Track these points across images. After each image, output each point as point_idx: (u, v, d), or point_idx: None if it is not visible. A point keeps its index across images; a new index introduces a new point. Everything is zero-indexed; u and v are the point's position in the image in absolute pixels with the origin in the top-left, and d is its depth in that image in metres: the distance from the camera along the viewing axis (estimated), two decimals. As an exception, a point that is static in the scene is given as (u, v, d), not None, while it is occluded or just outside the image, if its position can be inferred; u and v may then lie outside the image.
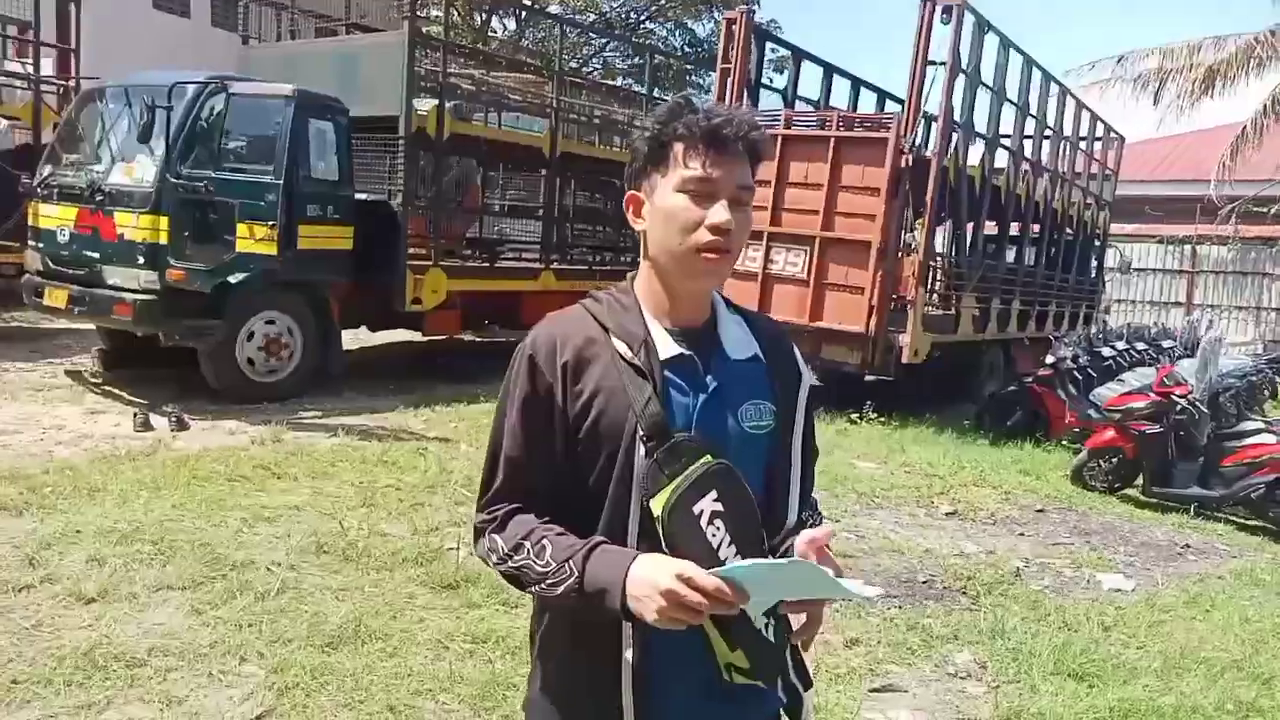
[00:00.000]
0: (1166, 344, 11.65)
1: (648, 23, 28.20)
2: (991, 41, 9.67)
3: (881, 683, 3.63)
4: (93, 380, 7.79)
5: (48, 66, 9.77)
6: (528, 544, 1.31)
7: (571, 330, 1.38)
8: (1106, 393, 7.61)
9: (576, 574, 1.26)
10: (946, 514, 6.10)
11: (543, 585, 1.29)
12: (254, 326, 7.38)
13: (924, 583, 4.76)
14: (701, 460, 1.28)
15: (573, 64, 26.16)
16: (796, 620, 1.34)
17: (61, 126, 7.98)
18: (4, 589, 3.65)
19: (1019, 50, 10.18)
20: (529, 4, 20.21)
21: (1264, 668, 3.96)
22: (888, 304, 8.98)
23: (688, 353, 1.36)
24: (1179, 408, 6.73)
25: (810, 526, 1.38)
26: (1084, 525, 6.20)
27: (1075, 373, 8.77)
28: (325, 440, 6.43)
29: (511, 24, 26.68)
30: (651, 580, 1.20)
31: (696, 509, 1.27)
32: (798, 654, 1.44)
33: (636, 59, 25.84)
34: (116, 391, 7.45)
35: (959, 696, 3.59)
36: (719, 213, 1.30)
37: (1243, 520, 6.52)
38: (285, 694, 3.08)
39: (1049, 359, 8.93)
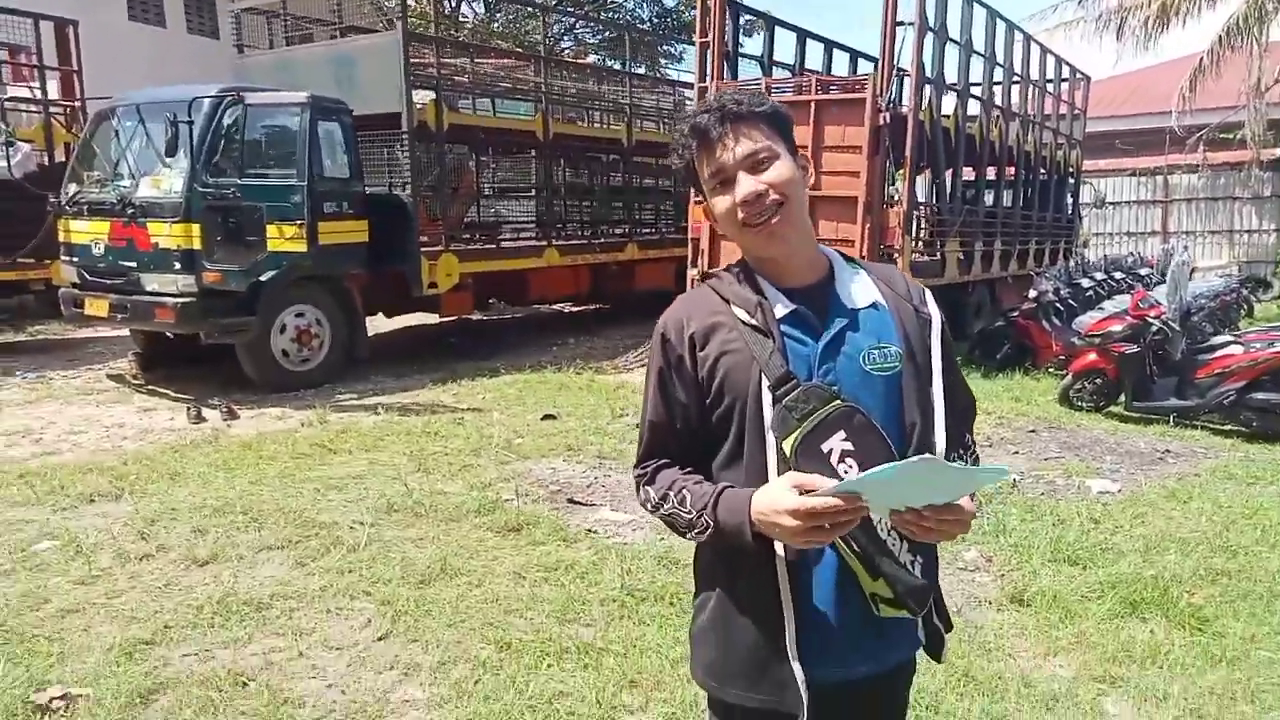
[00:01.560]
0: (1143, 272, 12.23)
1: (617, -1, 28.30)
2: (956, -2, 10.13)
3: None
4: (135, 382, 8.25)
5: (51, 89, 10.08)
6: (671, 493, 1.49)
7: (696, 306, 1.54)
8: (1087, 320, 8.14)
9: (711, 520, 1.42)
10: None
11: (691, 532, 1.46)
12: (285, 320, 7.85)
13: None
14: (829, 404, 1.38)
15: (546, 43, 26.50)
16: (940, 525, 1.32)
17: (80, 146, 8.34)
18: (129, 558, 4.15)
19: (981, 3, 10.63)
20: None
21: (1233, 541, 4.52)
22: (877, 254, 9.47)
23: (801, 308, 1.49)
24: (1154, 328, 7.27)
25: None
26: (1073, 441, 6.75)
27: (1057, 304, 9.30)
28: (368, 419, 6.92)
29: (481, 8, 26.84)
30: (771, 503, 1.33)
31: (825, 447, 1.37)
32: (940, 598, 1.55)
33: (608, 33, 26.07)
34: (161, 390, 7.90)
35: (971, 584, 4.13)
36: (740, 190, 1.45)
37: (1217, 425, 7.07)
38: (397, 620, 3.59)
39: (1032, 293, 9.45)
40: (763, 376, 1.43)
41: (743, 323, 1.47)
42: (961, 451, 1.53)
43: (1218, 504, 5.14)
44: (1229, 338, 7.45)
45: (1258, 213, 18.43)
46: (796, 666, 1.45)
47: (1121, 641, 3.49)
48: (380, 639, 3.47)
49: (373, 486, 5.26)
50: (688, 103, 15.12)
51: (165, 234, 7.19)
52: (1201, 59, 16.86)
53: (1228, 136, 17.96)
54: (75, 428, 6.64)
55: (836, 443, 1.38)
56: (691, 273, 10.03)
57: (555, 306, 13.42)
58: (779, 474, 1.39)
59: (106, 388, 8.06)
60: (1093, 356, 7.55)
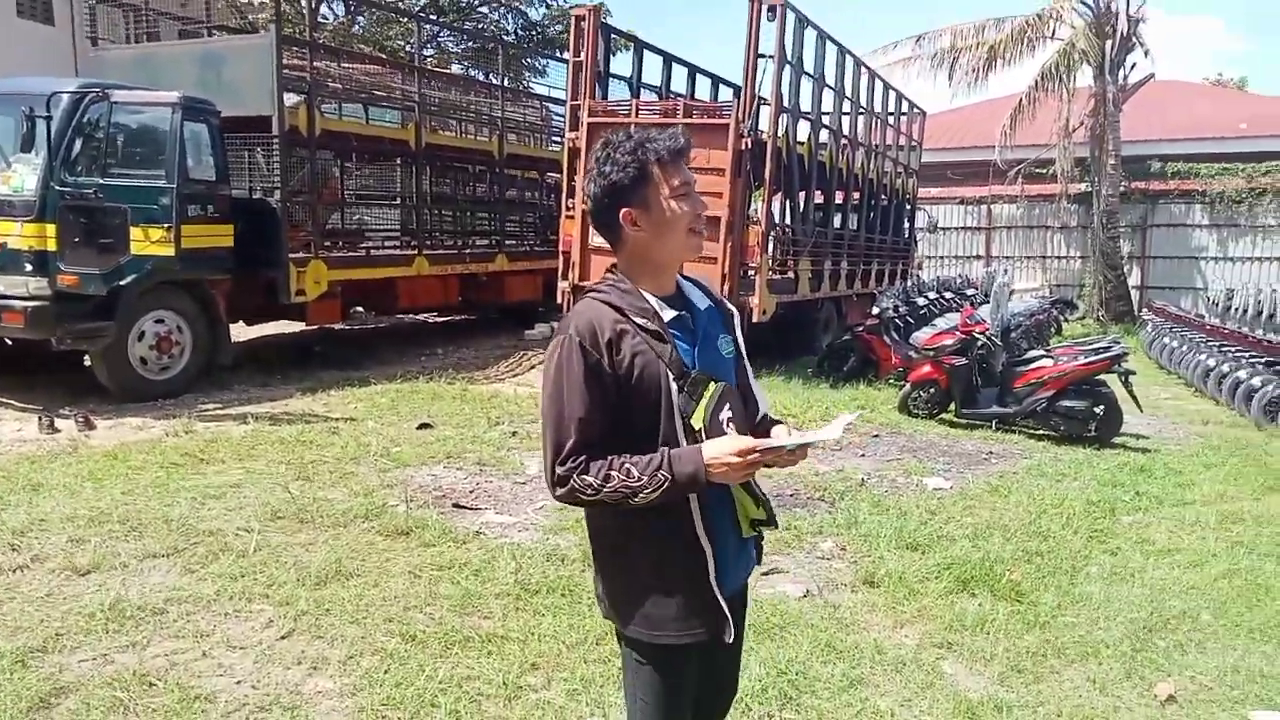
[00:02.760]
0: (970, 292, 13.50)
1: (481, 7, 28.27)
2: (810, 34, 10.95)
3: (768, 567, 4.60)
4: (-28, 391, 7.72)
5: None
6: (615, 473, 1.74)
7: (599, 316, 1.81)
8: (921, 335, 9.00)
9: (667, 475, 1.73)
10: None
11: (642, 494, 1.74)
12: (144, 326, 7.58)
13: (790, 495, 5.81)
14: (712, 385, 1.82)
15: (407, 49, 26.16)
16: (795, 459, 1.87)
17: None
18: (1, 570, 4.02)
19: (834, 41, 11.54)
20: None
21: (1044, 528, 5.24)
22: (738, 271, 10.07)
23: (680, 312, 1.87)
24: (979, 343, 8.15)
25: (770, 418, 2.03)
26: (911, 444, 7.47)
27: (897, 320, 10.17)
28: (238, 428, 6.80)
29: (340, 9, 26.19)
30: (719, 450, 1.74)
31: (721, 417, 1.82)
32: None
33: (471, 43, 26.01)
34: (3, 400, 7.44)
35: (828, 569, 4.61)
36: (700, 206, 1.86)
37: (1032, 430, 8.00)
38: (299, 619, 3.69)
39: (874, 310, 10.29)
40: (667, 372, 1.80)
41: (643, 330, 1.81)
42: (764, 408, 2.06)
43: (1032, 496, 5.90)
44: (1041, 352, 8.44)
45: (1066, 241, 20.57)
46: (718, 593, 1.85)
47: (956, 613, 4.04)
48: (284, 637, 3.56)
49: (252, 494, 5.25)
50: (556, 119, 15.44)
51: (16, 234, 6.82)
52: (1020, 100, 18.71)
53: (1041, 171, 19.96)
54: (-91, 439, 6.21)
55: (725, 413, 1.84)
56: (562, 285, 10.32)
57: (421, 316, 13.38)
58: (687, 443, 1.80)
59: (-62, 396, 7.52)
60: (927, 368, 8.37)
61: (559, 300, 10.28)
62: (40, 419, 6.58)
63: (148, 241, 6.92)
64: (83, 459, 5.80)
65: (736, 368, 1.99)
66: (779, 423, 2.04)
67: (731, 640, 1.92)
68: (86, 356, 7.91)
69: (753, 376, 2.05)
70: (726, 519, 1.90)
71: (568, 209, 10.92)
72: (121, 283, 7.18)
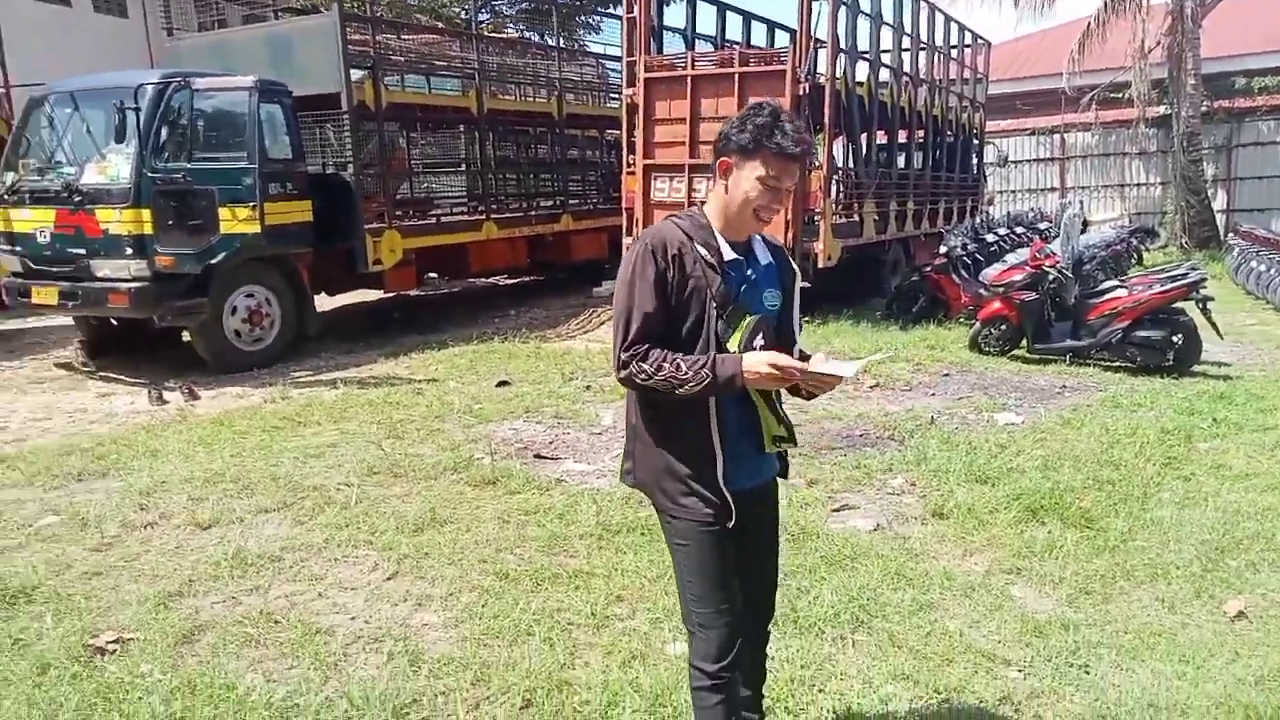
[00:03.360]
0: (1042, 226, 13.16)
1: (531, -34, 28.09)
2: (866, -30, 10.74)
3: (839, 504, 4.76)
4: (85, 369, 8.31)
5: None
6: (666, 364, 2.09)
7: (669, 234, 2.17)
8: (990, 272, 8.90)
9: (710, 373, 2.06)
10: (871, 387, 7.29)
11: (686, 385, 2.07)
12: (236, 301, 8.03)
13: (860, 435, 5.93)
14: (748, 317, 2.16)
15: (463, 15, 26.32)
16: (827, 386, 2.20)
17: (14, 134, 8.27)
18: (134, 526, 4.44)
19: (890, -25, 11.27)
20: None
21: (1116, 457, 5.26)
22: (801, 217, 10.07)
23: (740, 257, 2.21)
24: (1050, 276, 8.05)
25: (804, 353, 2.31)
26: (982, 382, 7.48)
27: (965, 259, 10.07)
28: (329, 393, 7.20)
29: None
30: (756, 366, 2.06)
31: (755, 344, 2.15)
32: None
33: (525, 5, 26.02)
34: (113, 376, 8.01)
35: (898, 504, 4.75)
36: (776, 201, 2.16)
37: (1108, 362, 7.90)
38: (401, 563, 4.01)
39: (941, 249, 10.19)
40: (710, 298, 2.14)
41: (702, 258, 2.15)
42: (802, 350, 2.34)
43: (1105, 428, 5.90)
44: (1115, 283, 8.28)
45: (1145, 167, 19.78)
46: (723, 486, 2.20)
47: (1025, 541, 4.14)
48: (389, 579, 3.89)
49: (348, 452, 5.61)
50: (612, 75, 15.47)
51: (115, 220, 7.28)
52: (1090, 23, 17.95)
53: (1116, 96, 19.16)
54: (38, 415, 6.75)
55: (759, 341, 2.16)
56: (628, 240, 10.47)
57: (491, 279, 13.72)
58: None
59: (57, 375, 8.12)
60: (998, 305, 8.30)
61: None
62: (150, 392, 7.08)
63: (235, 220, 7.32)
64: (192, 427, 6.25)
65: (780, 318, 2.29)
66: (807, 357, 2.30)
67: (732, 525, 2.22)
68: (184, 332, 8.42)
69: (798, 329, 2.38)
70: (743, 428, 2.23)
71: (629, 166, 11.04)
72: (213, 261, 7.61)
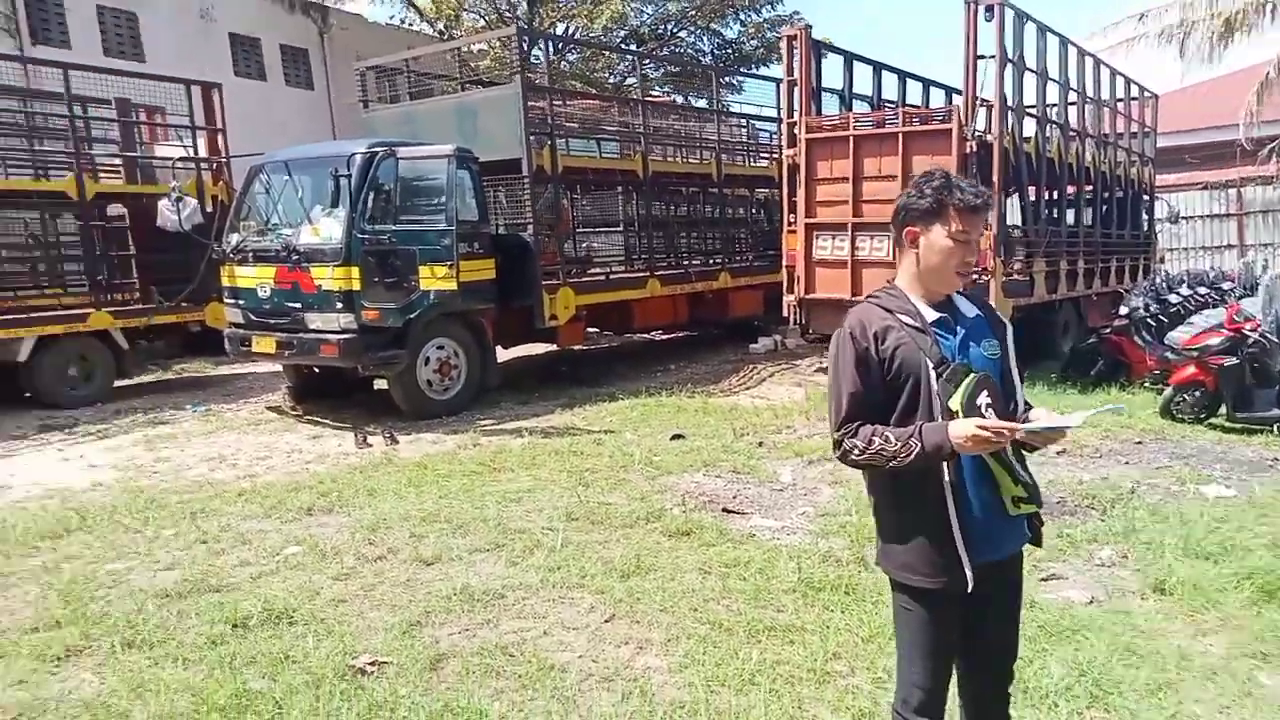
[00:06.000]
0: (1226, 286, 12.43)
1: (680, 32, 29.14)
2: (1030, 29, 10.63)
3: (1046, 574, 4.63)
4: (293, 412, 9.06)
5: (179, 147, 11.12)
6: (875, 438, 2.17)
7: (867, 314, 2.26)
8: (1180, 335, 8.46)
9: (919, 442, 2.11)
10: (1057, 453, 7.04)
11: (896, 457, 2.13)
12: (428, 353, 8.60)
13: (1057, 502, 5.74)
14: (971, 374, 2.18)
15: (611, 80, 27.48)
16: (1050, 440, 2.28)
17: (238, 199, 9.23)
18: (367, 559, 4.82)
19: (1054, 33, 11.12)
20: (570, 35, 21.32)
21: (1353, 536, 4.89)
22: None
23: (945, 315, 2.26)
24: (1251, 340, 7.60)
25: (1029, 405, 2.35)
26: (1180, 451, 7.10)
27: (1148, 320, 9.63)
28: (515, 441, 7.58)
29: (549, 49, 27.89)
30: (963, 431, 2.08)
31: (979, 402, 2.16)
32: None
33: (672, 68, 26.96)
34: (319, 419, 8.69)
35: (1110, 576, 4.57)
36: (971, 255, 2.25)
37: (1321, 434, 7.35)
38: (616, 606, 4.18)
39: (1123, 309, 9.79)
40: (926, 360, 2.18)
41: (907, 325, 2.21)
42: (1026, 401, 2.39)
43: (1332, 506, 5.48)
44: (1326, 349, 7.73)
45: (1336, 223, 18.36)
46: (963, 554, 2.20)
47: (1265, 624, 3.91)
48: (607, 621, 4.06)
49: (545, 498, 5.89)
50: (762, 135, 15.78)
51: (328, 277, 7.98)
52: (1268, 72, 16.98)
53: (1301, 147, 17.96)
54: (260, 454, 7.41)
55: (983, 399, 2.17)
56: (788, 298, 10.56)
57: (646, 335, 14.07)
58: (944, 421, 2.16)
59: (270, 418, 8.88)
60: (1192, 369, 7.88)
61: (785, 314, 10.54)
62: (356, 435, 7.66)
63: (434, 278, 7.89)
64: (398, 468, 6.71)
65: (1001, 369, 2.30)
66: (1031, 408, 2.35)
67: (970, 592, 2.21)
68: (378, 380, 9.05)
69: (1019, 381, 2.37)
70: (982, 491, 2.23)
71: (789, 224, 11.19)
72: (412, 316, 8.21)
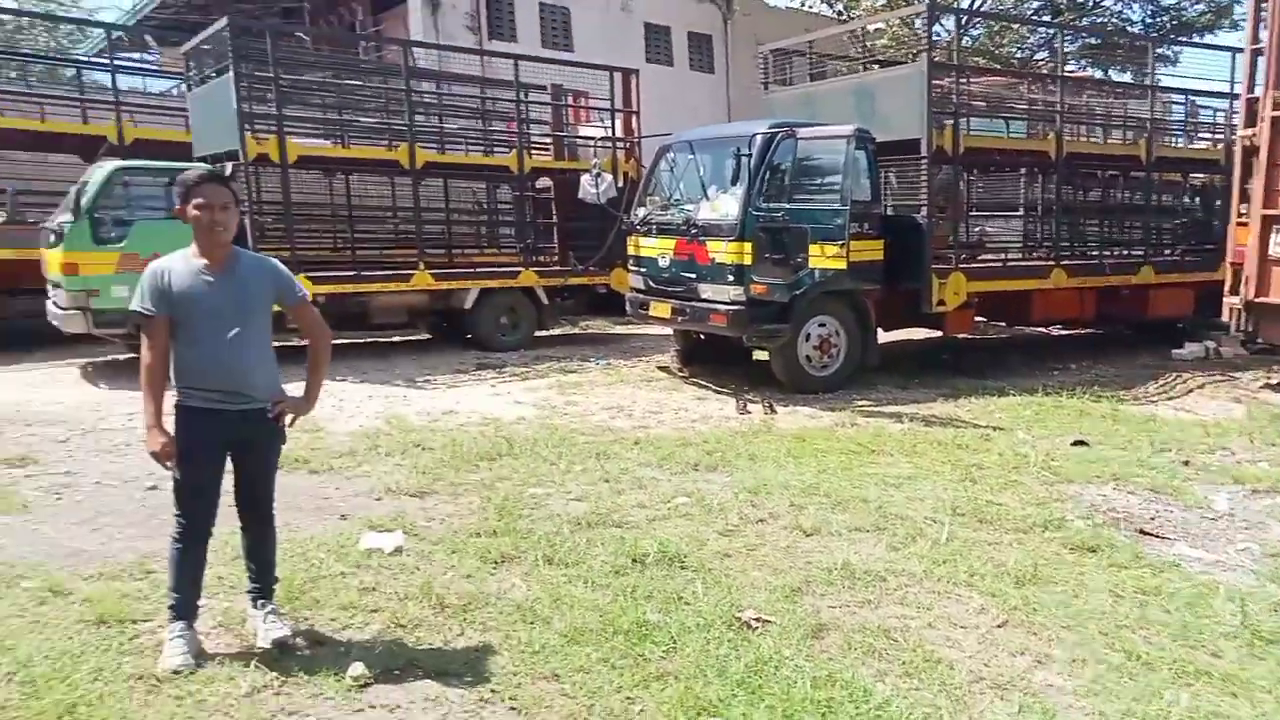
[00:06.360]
0: None
1: (1104, 0, 26.08)
2: None
3: None
4: (680, 374, 9.67)
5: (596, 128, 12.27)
6: None
7: None
8: None
9: None
10: None
11: None
12: (810, 330, 8.66)
13: None
14: None
15: (1019, 55, 25.35)
16: None
17: (646, 175, 9.98)
18: (749, 520, 4.99)
19: None
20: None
21: None
22: None
23: None
24: None
25: None
26: None
27: None
28: (894, 425, 7.36)
29: (950, 24, 26.44)
30: None
31: None
32: None
33: (1091, 38, 24.20)
34: (702, 382, 9.18)
35: None
36: None
37: None
38: (1010, 613, 3.87)
39: None
40: None
41: None
42: None
43: None
44: None
45: None
46: None
47: None
48: (999, 626, 3.78)
49: (926, 488, 5.63)
50: (1203, 112, 13.59)
51: (722, 250, 8.34)
52: None
53: None
54: (651, 408, 8.01)
55: None
56: (1232, 300, 9.00)
57: (1040, 329, 12.88)
58: None
59: (659, 377, 9.56)
60: None
61: (1226, 318, 9.02)
62: (737, 401, 7.97)
63: (823, 257, 7.90)
64: (776, 438, 6.85)
65: None
66: None
67: None
68: (755, 352, 9.29)
69: None
70: None
71: (1239, 215, 9.52)
72: (798, 292, 8.31)
